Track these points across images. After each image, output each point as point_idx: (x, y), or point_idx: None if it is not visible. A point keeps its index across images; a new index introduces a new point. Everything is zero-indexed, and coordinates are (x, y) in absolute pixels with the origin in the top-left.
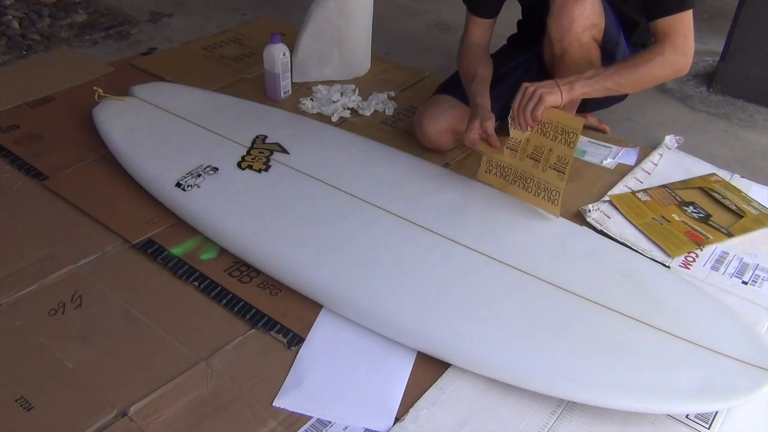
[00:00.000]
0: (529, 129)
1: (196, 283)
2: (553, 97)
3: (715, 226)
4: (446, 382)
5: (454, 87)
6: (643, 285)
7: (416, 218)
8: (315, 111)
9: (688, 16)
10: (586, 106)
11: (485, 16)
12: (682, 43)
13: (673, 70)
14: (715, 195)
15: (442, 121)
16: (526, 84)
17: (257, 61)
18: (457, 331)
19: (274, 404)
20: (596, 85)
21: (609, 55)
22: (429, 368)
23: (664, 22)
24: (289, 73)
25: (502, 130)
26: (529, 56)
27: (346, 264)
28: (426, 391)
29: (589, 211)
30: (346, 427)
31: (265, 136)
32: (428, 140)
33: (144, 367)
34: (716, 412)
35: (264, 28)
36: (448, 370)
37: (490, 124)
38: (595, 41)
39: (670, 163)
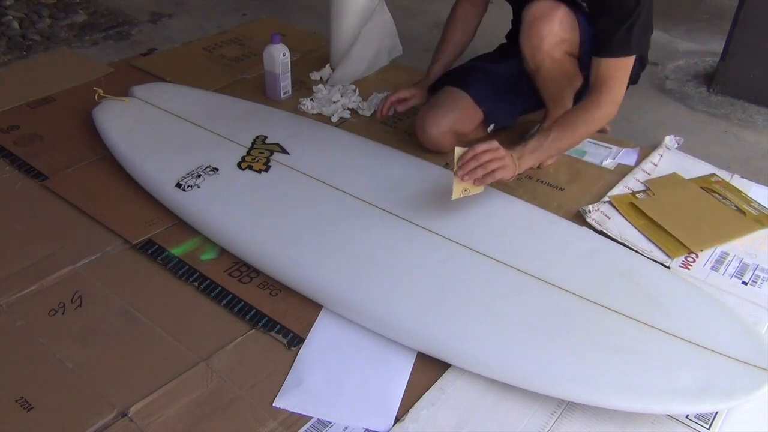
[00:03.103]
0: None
1: (196, 284)
2: (507, 173)
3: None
4: (446, 382)
5: (460, 78)
6: (643, 285)
7: (416, 218)
8: (315, 111)
9: (629, 62)
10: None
11: None
12: (617, 92)
13: (606, 121)
14: (715, 195)
15: (444, 123)
16: (484, 147)
17: (257, 61)
18: (457, 331)
19: (274, 404)
20: (541, 157)
21: (588, 67)
22: (429, 368)
23: (606, 64)
24: (289, 74)
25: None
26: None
27: (346, 264)
28: (426, 391)
29: (589, 211)
30: (346, 428)
31: (265, 137)
32: (430, 141)
33: (144, 367)
34: (716, 413)
35: (264, 28)
36: (448, 370)
37: (404, 93)
38: (570, 55)
39: (670, 164)
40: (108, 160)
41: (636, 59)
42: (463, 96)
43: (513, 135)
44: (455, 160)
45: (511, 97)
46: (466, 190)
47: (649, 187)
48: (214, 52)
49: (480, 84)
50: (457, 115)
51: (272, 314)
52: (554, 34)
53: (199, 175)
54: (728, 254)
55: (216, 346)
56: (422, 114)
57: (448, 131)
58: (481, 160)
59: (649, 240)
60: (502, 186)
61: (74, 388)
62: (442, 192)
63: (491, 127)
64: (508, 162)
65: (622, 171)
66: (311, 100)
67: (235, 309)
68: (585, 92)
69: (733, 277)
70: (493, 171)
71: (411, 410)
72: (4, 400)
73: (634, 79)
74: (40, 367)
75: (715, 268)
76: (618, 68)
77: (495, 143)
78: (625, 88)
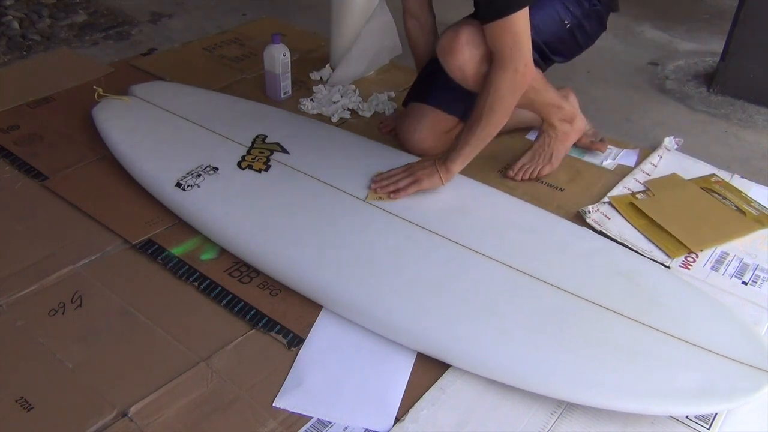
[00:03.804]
0: (386, 197)
1: (196, 284)
2: (431, 182)
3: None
4: (446, 382)
5: (422, 93)
6: (643, 286)
7: (416, 218)
8: (315, 112)
9: (510, 23)
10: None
11: None
12: (509, 55)
13: (512, 93)
14: (715, 195)
15: (420, 130)
16: (409, 166)
17: (257, 61)
18: (457, 331)
19: (274, 404)
20: (466, 155)
21: (544, 57)
22: (429, 368)
23: (489, 30)
24: (289, 74)
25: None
26: None
27: (346, 264)
28: (426, 391)
29: (589, 212)
30: (346, 428)
31: (265, 136)
32: (413, 149)
33: (144, 367)
34: (716, 414)
35: (264, 28)
36: (448, 370)
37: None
38: None
39: (670, 164)
40: (108, 160)
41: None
42: (427, 108)
43: (512, 139)
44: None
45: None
46: (380, 198)
47: (649, 187)
48: (214, 52)
49: (439, 90)
50: (431, 120)
51: (272, 314)
52: (468, 58)
53: (199, 175)
54: (728, 254)
55: (216, 346)
56: (397, 127)
57: (426, 136)
58: (393, 179)
59: (649, 240)
60: (503, 186)
61: (74, 388)
62: (442, 192)
63: None
64: (428, 172)
65: (622, 171)
66: (311, 100)
67: (235, 309)
68: (546, 63)
69: (733, 277)
70: (418, 179)
71: (411, 410)
72: (4, 400)
73: (603, 16)
74: (40, 367)
75: (715, 268)
76: (501, 32)
77: (416, 163)
78: (520, 52)
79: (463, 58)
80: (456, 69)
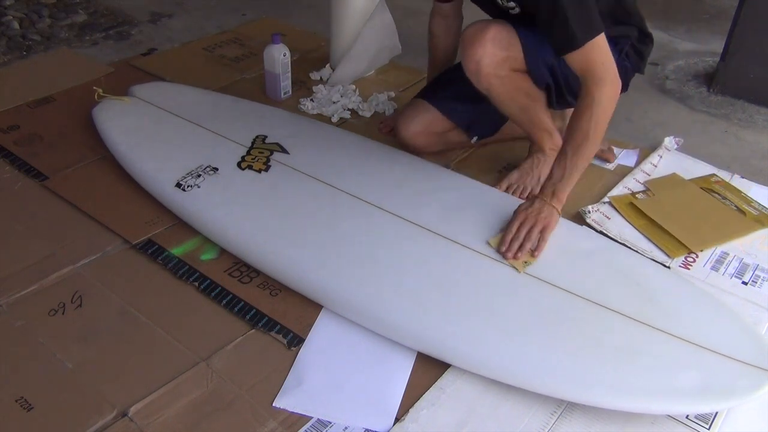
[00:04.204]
0: (532, 258)
1: (196, 284)
2: (554, 223)
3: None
4: (446, 382)
5: (429, 93)
6: (643, 285)
7: (416, 218)
8: (315, 112)
9: (593, 47)
10: None
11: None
12: (603, 72)
13: (612, 104)
14: (715, 195)
15: (415, 124)
16: (523, 214)
17: (257, 61)
18: (457, 331)
19: (274, 404)
20: (573, 178)
21: (540, 79)
22: (429, 368)
23: (579, 55)
24: (289, 74)
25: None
26: None
27: (346, 264)
28: (426, 391)
29: (589, 212)
30: (346, 428)
31: (265, 136)
32: (404, 142)
33: (144, 367)
34: (716, 413)
35: (264, 28)
36: (448, 370)
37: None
38: (518, 71)
39: (670, 164)
40: (108, 160)
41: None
42: (427, 105)
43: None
44: (496, 248)
45: (480, 106)
46: (526, 262)
47: (649, 187)
48: (214, 52)
49: (448, 97)
50: (429, 116)
51: (272, 314)
52: (490, 54)
53: (199, 175)
54: (728, 254)
55: (216, 346)
56: (394, 119)
57: (421, 132)
58: (521, 236)
59: (649, 240)
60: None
61: (74, 388)
62: (442, 191)
63: (474, 138)
64: (546, 213)
65: (622, 172)
66: (311, 100)
67: (235, 309)
68: (558, 93)
69: (733, 277)
70: (544, 229)
71: (411, 410)
72: (4, 400)
73: (636, 71)
74: (40, 367)
75: (715, 268)
76: (587, 56)
77: (520, 206)
78: (609, 66)
79: (484, 51)
80: (473, 61)
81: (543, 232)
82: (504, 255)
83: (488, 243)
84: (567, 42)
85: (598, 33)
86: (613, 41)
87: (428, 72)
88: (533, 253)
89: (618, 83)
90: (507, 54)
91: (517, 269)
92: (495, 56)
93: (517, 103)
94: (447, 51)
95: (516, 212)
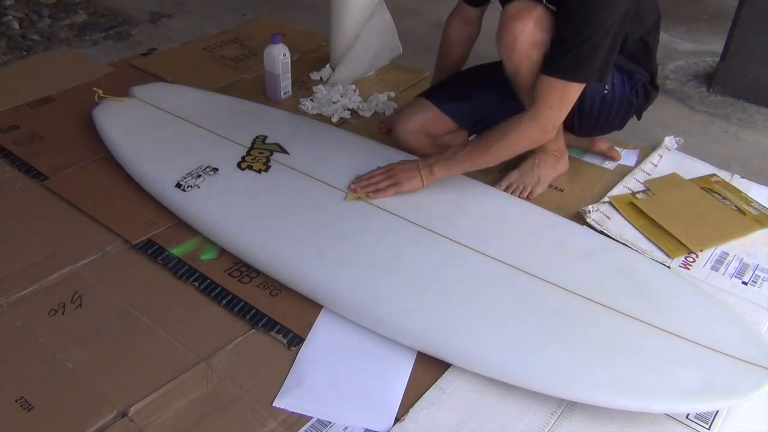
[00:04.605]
0: (365, 196)
1: (196, 284)
2: (411, 185)
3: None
4: (446, 382)
5: (433, 92)
6: (643, 285)
7: (416, 218)
8: (315, 112)
9: (565, 87)
10: (595, 132)
11: (469, 3)
12: (546, 116)
13: (529, 145)
14: (715, 195)
15: (413, 123)
16: (392, 166)
17: (257, 61)
18: (457, 331)
19: (274, 404)
20: (454, 168)
21: None
22: (429, 368)
23: (542, 81)
24: (289, 74)
25: None
26: None
27: (346, 264)
28: (426, 391)
29: (589, 212)
30: (346, 428)
31: (265, 137)
32: (399, 141)
33: (144, 367)
34: (716, 412)
35: (264, 28)
36: (448, 370)
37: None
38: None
39: (670, 164)
40: (108, 160)
41: (634, 91)
42: (428, 104)
43: None
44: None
45: (484, 107)
46: (360, 198)
47: (649, 187)
48: (214, 52)
49: (445, 93)
50: (427, 116)
51: (272, 314)
52: (529, 32)
53: (199, 175)
54: (728, 254)
55: (216, 346)
56: (392, 117)
57: (417, 131)
58: (374, 180)
59: (649, 240)
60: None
61: (74, 388)
62: (443, 191)
63: (473, 138)
64: (409, 175)
65: (622, 171)
66: (311, 100)
67: (235, 309)
68: (572, 110)
69: (733, 277)
70: (399, 182)
71: (411, 410)
72: (4, 400)
73: (637, 111)
74: (40, 367)
75: (715, 268)
76: (553, 90)
77: (398, 162)
78: (558, 115)
79: (525, 27)
80: (511, 36)
81: (391, 188)
82: (350, 185)
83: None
84: (558, 65)
85: (582, 81)
86: (629, 74)
87: (433, 77)
88: (370, 194)
89: (548, 136)
90: (545, 38)
91: (345, 196)
92: (534, 35)
93: (534, 89)
94: (459, 58)
95: (390, 165)
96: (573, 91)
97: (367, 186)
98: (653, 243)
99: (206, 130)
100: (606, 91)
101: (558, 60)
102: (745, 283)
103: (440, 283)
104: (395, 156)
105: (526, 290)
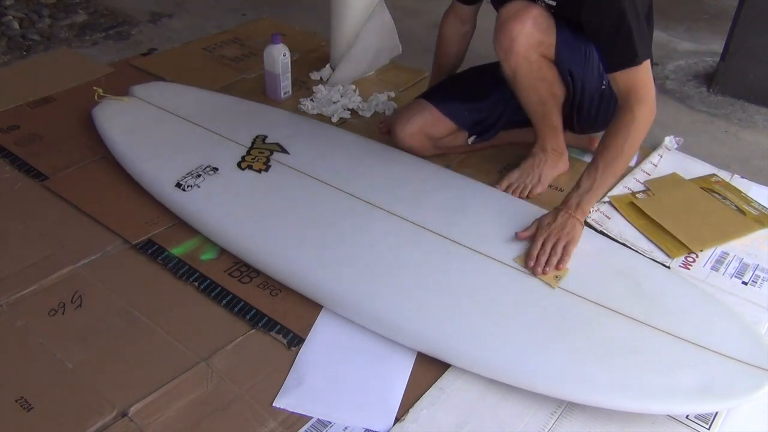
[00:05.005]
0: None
1: (196, 284)
2: (578, 237)
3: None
4: (446, 382)
5: (433, 94)
6: (643, 285)
7: (416, 218)
8: (315, 112)
9: (637, 70)
10: (594, 128)
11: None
12: (645, 94)
13: (648, 125)
14: (715, 195)
15: (412, 124)
16: (546, 229)
17: (257, 61)
18: (457, 331)
19: (274, 404)
20: (600, 191)
21: (564, 73)
22: (429, 368)
23: (622, 77)
24: (289, 74)
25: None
26: None
27: (346, 264)
28: (426, 391)
29: (589, 212)
30: (346, 428)
31: (265, 136)
32: (399, 142)
33: (144, 367)
34: (716, 413)
35: (264, 28)
36: (448, 370)
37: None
38: (547, 59)
39: (670, 164)
40: (108, 160)
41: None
42: (428, 105)
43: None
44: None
45: (483, 108)
46: (557, 277)
47: (649, 187)
48: (214, 52)
49: (445, 94)
50: (427, 117)
51: (272, 314)
52: (527, 34)
53: (199, 175)
54: (728, 254)
55: (216, 346)
56: (392, 118)
57: (416, 132)
58: (547, 249)
59: (649, 240)
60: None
61: (74, 388)
62: (443, 191)
63: (471, 138)
64: (570, 227)
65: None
66: (311, 100)
67: (235, 309)
68: (571, 106)
69: (733, 277)
70: (566, 246)
71: (411, 410)
72: (4, 400)
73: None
74: (40, 367)
75: (715, 268)
76: (633, 77)
77: (542, 219)
78: (653, 89)
79: (522, 28)
80: (508, 37)
81: (567, 247)
82: (533, 270)
83: (515, 260)
84: (629, 58)
85: (645, 57)
86: None
87: (431, 77)
88: (558, 266)
89: (655, 106)
90: (542, 38)
91: (550, 285)
92: (532, 36)
93: (537, 93)
94: (455, 57)
95: (539, 227)
96: (646, 66)
97: (546, 265)
98: (653, 243)
99: (206, 129)
100: (604, 87)
101: (615, 56)
102: (745, 283)
103: (440, 283)
104: (395, 156)
105: (526, 290)
